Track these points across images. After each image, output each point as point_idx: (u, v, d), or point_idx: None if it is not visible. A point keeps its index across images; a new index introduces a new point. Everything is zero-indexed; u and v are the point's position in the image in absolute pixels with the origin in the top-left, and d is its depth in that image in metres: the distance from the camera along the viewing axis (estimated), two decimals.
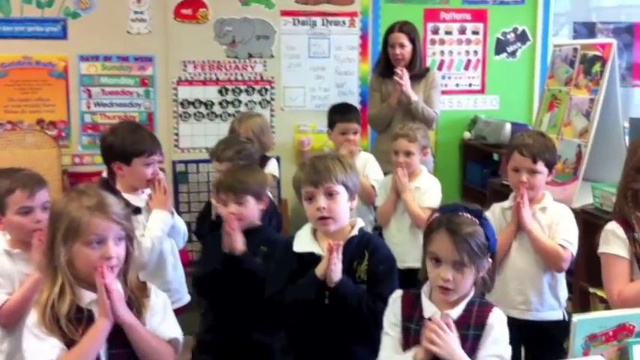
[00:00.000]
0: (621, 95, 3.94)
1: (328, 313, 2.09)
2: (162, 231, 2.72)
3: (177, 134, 4.76)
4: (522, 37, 5.16)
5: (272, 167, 3.88)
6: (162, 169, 4.55)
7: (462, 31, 5.08)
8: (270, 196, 3.45)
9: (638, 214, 2.25)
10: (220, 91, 4.77)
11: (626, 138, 3.93)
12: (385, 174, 3.74)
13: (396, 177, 3.45)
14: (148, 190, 2.80)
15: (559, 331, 2.66)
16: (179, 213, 4.68)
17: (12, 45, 4.45)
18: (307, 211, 2.18)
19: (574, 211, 2.98)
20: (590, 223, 3.20)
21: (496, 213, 2.80)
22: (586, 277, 3.35)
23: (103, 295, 1.78)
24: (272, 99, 4.84)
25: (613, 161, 3.74)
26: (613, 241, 2.25)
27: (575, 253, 2.66)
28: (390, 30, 4.31)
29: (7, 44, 4.44)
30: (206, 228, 3.05)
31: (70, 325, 1.79)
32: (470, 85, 5.15)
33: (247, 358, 2.54)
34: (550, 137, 2.98)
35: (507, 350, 1.82)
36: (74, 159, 4.63)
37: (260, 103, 4.82)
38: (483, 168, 4.79)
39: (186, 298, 2.95)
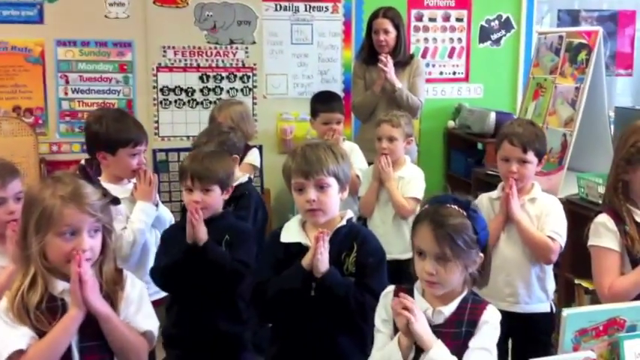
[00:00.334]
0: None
1: (314, 305, 2.04)
2: (145, 223, 2.66)
3: (157, 122, 4.67)
4: (506, 25, 5.12)
5: (252, 157, 3.79)
6: None
7: (446, 18, 5.04)
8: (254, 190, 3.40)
9: (629, 206, 2.22)
10: (201, 78, 4.69)
11: (612, 127, 3.92)
12: (370, 163, 3.68)
13: (379, 165, 3.39)
14: (134, 180, 2.74)
15: (547, 323, 2.64)
16: None
17: None
18: (296, 202, 2.12)
19: (559, 201, 2.95)
20: (575, 214, 3.18)
21: (484, 203, 2.76)
22: (571, 268, 3.33)
23: (75, 285, 1.73)
24: (254, 86, 4.77)
25: (598, 151, 3.73)
26: (604, 233, 2.22)
27: (563, 245, 2.63)
28: (374, 16, 4.25)
29: None
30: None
31: (42, 315, 1.74)
32: (454, 73, 5.11)
33: (217, 349, 2.49)
34: (540, 126, 2.95)
35: (494, 347, 1.76)
36: (52, 147, 4.53)
37: (242, 90, 4.75)
38: (467, 157, 4.76)
39: None
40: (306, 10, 4.75)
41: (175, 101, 4.67)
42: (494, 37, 5.12)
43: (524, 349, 2.58)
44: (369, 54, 4.28)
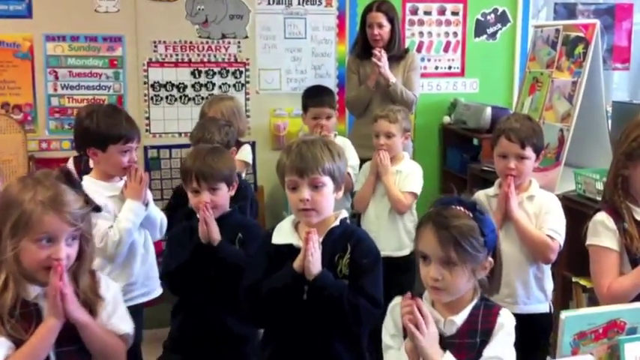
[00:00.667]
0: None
1: (307, 308, 1.98)
2: (132, 223, 2.60)
3: (148, 118, 4.59)
4: (502, 19, 5.06)
5: (244, 154, 3.74)
6: None
7: (442, 12, 4.97)
8: (247, 182, 3.36)
9: (628, 204, 2.17)
10: (193, 73, 4.61)
11: (609, 122, 3.87)
12: (364, 160, 3.63)
13: (377, 158, 3.35)
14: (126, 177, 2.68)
15: (546, 323, 2.59)
16: None
17: None
18: (289, 200, 2.05)
19: (557, 197, 2.90)
20: (573, 210, 3.13)
21: (481, 200, 2.69)
22: (568, 266, 3.28)
23: (56, 297, 1.68)
24: (247, 82, 4.69)
25: (596, 146, 3.68)
26: (602, 232, 2.17)
27: (562, 244, 2.57)
28: (368, 9, 4.19)
29: None
30: (178, 219, 2.89)
31: (17, 322, 1.69)
32: (449, 67, 5.04)
33: (226, 350, 2.44)
34: (537, 121, 2.89)
35: (510, 354, 1.69)
36: (41, 144, 4.45)
37: (234, 85, 4.68)
38: (463, 153, 4.71)
39: (156, 292, 2.83)
40: (299, 4, 4.68)
41: (167, 97, 4.59)
42: (490, 30, 5.06)
43: (523, 350, 2.52)
44: (362, 48, 4.22)
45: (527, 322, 2.55)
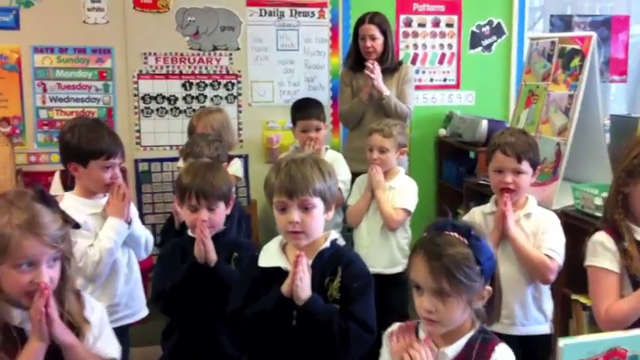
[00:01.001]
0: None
1: (296, 335, 1.89)
2: (114, 242, 2.51)
3: (138, 131, 4.52)
4: (498, 30, 5.01)
5: (235, 168, 3.67)
6: (123, 170, 4.38)
7: (436, 24, 4.91)
8: (238, 199, 3.29)
9: (629, 223, 2.09)
10: (184, 85, 4.54)
11: (607, 135, 3.80)
12: (357, 173, 3.57)
13: (371, 173, 3.28)
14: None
15: (546, 345, 2.51)
16: (142, 215, 4.52)
17: None
18: (278, 222, 1.96)
19: (554, 213, 2.82)
20: (571, 226, 3.05)
21: (476, 218, 2.63)
22: (568, 283, 3.19)
23: (41, 320, 1.62)
24: (239, 94, 4.63)
25: (594, 160, 3.61)
26: (601, 253, 2.09)
27: (561, 264, 2.49)
28: (360, 21, 4.13)
29: None
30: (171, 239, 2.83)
31: (1, 347, 1.64)
32: (444, 80, 4.98)
33: None
34: (532, 135, 2.82)
35: None
36: (29, 157, 4.38)
37: (226, 98, 4.61)
38: (459, 166, 4.64)
39: (142, 313, 2.74)
40: (291, 16, 4.62)
41: (157, 109, 4.52)
42: (485, 42, 5.00)
43: None
44: (355, 60, 4.16)
45: (527, 344, 2.49)
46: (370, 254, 3.22)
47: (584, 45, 3.64)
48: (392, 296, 2.85)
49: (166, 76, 4.50)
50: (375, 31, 4.07)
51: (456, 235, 1.58)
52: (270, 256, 1.99)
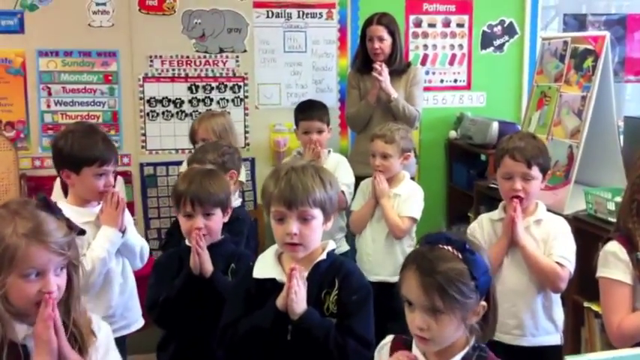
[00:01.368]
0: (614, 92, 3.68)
1: (291, 350, 1.82)
2: (107, 251, 2.44)
3: (144, 135, 4.47)
4: (510, 30, 4.90)
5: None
6: (127, 173, 4.29)
7: (447, 24, 4.82)
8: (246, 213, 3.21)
9: None
10: (190, 88, 4.48)
11: (621, 138, 3.70)
12: (364, 177, 3.49)
13: (374, 181, 3.20)
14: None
15: (557, 357, 2.41)
16: (147, 219, 4.48)
17: None
18: (275, 232, 1.89)
19: (566, 218, 2.74)
20: (583, 232, 2.96)
21: (484, 225, 2.55)
22: (579, 290, 3.09)
23: (50, 332, 1.55)
24: (245, 96, 4.56)
25: (607, 163, 3.51)
26: (613, 264, 2.00)
27: (572, 271, 2.40)
28: (368, 22, 4.06)
29: None
30: (174, 244, 2.75)
31: None
32: (455, 81, 4.88)
33: None
34: (541, 139, 2.73)
35: None
36: (34, 162, 4.33)
37: (233, 100, 4.55)
38: (470, 169, 4.55)
39: (138, 323, 2.68)
40: (299, 17, 4.55)
41: (163, 113, 4.47)
42: (496, 43, 4.90)
43: None
44: (363, 62, 4.09)
45: (536, 356, 2.41)
46: (375, 262, 3.16)
47: (597, 45, 3.54)
48: (395, 305, 2.76)
49: (172, 79, 4.45)
50: (383, 33, 4.00)
51: (449, 249, 1.51)
52: (265, 267, 1.92)
